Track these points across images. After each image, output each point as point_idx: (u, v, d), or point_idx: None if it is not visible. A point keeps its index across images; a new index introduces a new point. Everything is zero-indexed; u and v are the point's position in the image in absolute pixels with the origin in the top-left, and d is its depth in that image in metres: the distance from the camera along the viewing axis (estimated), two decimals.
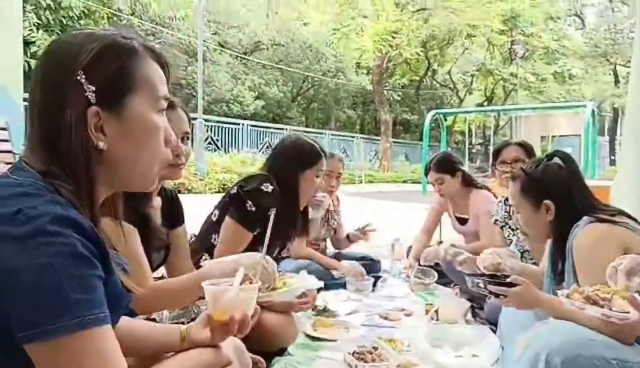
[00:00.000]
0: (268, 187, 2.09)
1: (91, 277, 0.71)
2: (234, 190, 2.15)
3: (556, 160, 1.89)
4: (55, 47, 0.83)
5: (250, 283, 1.25)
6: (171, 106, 1.60)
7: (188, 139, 1.69)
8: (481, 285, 1.85)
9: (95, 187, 0.82)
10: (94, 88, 0.79)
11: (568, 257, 1.77)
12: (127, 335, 1.11)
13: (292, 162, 2.22)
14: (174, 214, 1.77)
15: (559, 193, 1.83)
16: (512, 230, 2.94)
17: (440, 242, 3.47)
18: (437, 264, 3.20)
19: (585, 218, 1.73)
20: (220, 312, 1.13)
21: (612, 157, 26.79)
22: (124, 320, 1.11)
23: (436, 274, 3.24)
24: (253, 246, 2.06)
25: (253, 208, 2.05)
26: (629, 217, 1.76)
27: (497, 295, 1.76)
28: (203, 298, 1.80)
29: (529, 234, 1.95)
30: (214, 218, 2.20)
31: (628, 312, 1.24)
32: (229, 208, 2.13)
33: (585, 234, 1.69)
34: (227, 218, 2.11)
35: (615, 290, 1.33)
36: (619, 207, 1.88)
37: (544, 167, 1.89)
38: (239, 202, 2.09)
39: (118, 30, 0.87)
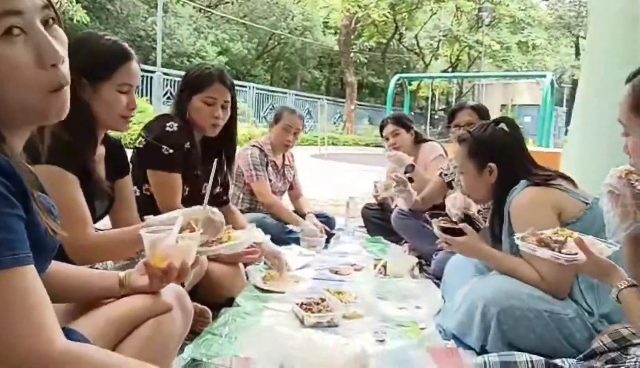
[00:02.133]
0: (173, 126, 2.04)
1: (10, 216, 0.69)
2: (141, 144, 2.07)
3: (502, 125, 1.97)
4: None
5: (192, 232, 1.25)
6: (128, 57, 1.56)
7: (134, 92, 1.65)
8: (435, 228, 1.98)
9: None
10: None
11: (505, 219, 1.86)
12: (62, 281, 1.09)
13: (183, 91, 2.17)
14: (118, 164, 1.72)
15: (502, 157, 1.91)
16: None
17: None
18: (387, 221, 3.31)
19: (522, 182, 1.82)
20: (158, 259, 1.13)
21: (568, 128, 27.67)
22: (58, 266, 1.09)
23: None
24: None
25: (170, 151, 2.01)
26: (566, 178, 1.84)
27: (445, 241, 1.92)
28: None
29: (471, 196, 2.03)
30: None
31: (576, 254, 1.30)
32: (147, 161, 2.06)
33: (521, 197, 1.78)
34: (148, 171, 2.05)
35: (570, 233, 1.39)
36: (566, 172, 1.97)
37: (492, 132, 1.96)
38: (153, 151, 2.02)
39: None
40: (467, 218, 2.06)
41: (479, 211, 2.45)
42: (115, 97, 1.52)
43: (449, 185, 3.10)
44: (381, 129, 3.56)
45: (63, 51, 0.80)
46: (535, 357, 1.29)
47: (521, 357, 1.30)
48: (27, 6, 0.74)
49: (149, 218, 1.48)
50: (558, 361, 1.32)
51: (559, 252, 1.32)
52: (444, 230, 1.93)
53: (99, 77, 1.49)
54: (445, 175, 3.13)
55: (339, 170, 9.69)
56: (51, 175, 0.96)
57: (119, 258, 1.62)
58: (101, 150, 1.65)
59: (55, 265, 1.04)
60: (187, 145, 2.06)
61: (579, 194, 1.77)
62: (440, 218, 2.09)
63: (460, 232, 1.89)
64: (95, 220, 1.65)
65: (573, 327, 1.67)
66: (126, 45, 1.61)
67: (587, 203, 1.73)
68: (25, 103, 0.76)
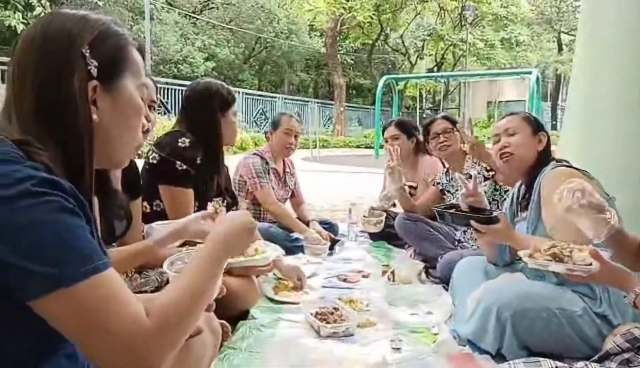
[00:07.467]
0: (185, 142, 2.08)
1: (84, 229, 0.74)
2: (155, 159, 2.09)
3: None
4: (58, 20, 0.86)
5: None
6: None
7: (154, 109, 1.67)
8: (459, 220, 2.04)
9: (93, 158, 0.85)
10: (96, 63, 0.84)
11: (534, 195, 1.93)
12: None
13: (209, 107, 2.20)
14: (133, 185, 1.73)
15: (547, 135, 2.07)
16: (452, 194, 3.09)
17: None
18: (390, 226, 3.34)
19: (552, 163, 1.93)
20: None
21: (554, 122, 27.96)
22: None
23: (383, 217, 3.40)
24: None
25: (184, 166, 2.05)
26: None
27: (477, 230, 1.93)
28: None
29: (515, 154, 2.03)
30: None
31: (590, 264, 1.32)
32: (160, 176, 2.08)
33: (553, 173, 1.87)
34: (162, 187, 2.07)
35: (572, 245, 1.40)
36: None
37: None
38: (168, 167, 2.05)
39: (111, 17, 0.93)
40: (474, 209, 2.08)
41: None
42: None
43: (442, 193, 3.20)
44: (383, 130, 3.61)
45: None
46: (559, 364, 1.31)
47: (545, 363, 1.32)
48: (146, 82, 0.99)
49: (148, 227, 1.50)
50: (581, 364, 1.35)
51: (573, 263, 1.34)
52: (479, 220, 1.93)
53: None
54: (438, 183, 3.23)
55: (333, 172, 9.70)
56: None
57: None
58: (118, 171, 1.66)
59: None
60: (199, 160, 2.08)
61: (602, 186, 1.81)
62: (454, 209, 2.10)
63: (493, 221, 1.91)
64: (114, 240, 1.66)
65: (582, 322, 1.73)
66: None
67: (608, 195, 1.75)
68: (126, 148, 0.93)
